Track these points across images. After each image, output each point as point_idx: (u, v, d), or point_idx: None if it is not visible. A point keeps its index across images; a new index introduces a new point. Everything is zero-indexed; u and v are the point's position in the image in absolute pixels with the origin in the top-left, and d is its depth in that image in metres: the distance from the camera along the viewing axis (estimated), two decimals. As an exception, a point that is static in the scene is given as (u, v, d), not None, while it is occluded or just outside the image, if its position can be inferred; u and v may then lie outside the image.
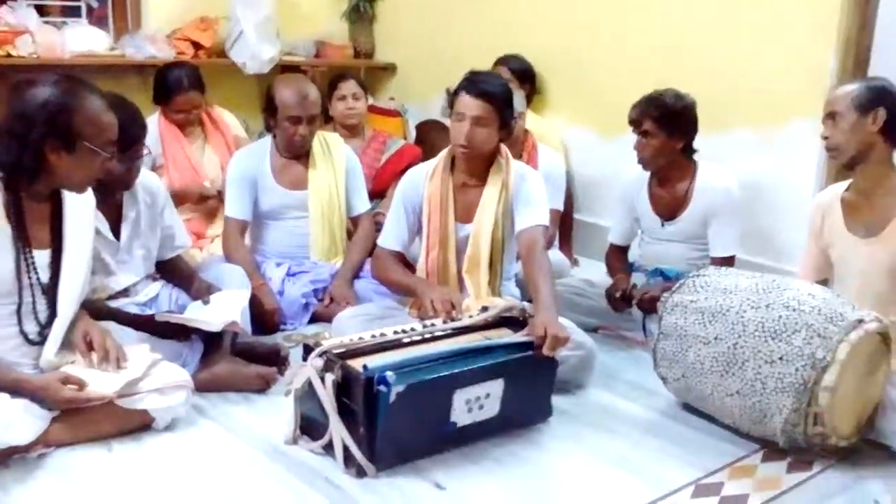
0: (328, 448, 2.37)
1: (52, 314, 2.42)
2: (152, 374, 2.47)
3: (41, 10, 4.67)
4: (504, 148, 3.05)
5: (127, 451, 2.41)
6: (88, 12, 4.92)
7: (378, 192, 4.17)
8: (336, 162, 3.67)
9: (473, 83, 2.94)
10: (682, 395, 2.77)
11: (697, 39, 4.06)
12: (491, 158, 3.01)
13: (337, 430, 2.32)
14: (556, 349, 2.52)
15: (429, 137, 5.00)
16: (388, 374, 2.24)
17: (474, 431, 2.48)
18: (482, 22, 5.03)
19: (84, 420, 2.38)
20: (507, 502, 2.27)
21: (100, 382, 2.36)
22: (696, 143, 3.38)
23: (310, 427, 2.44)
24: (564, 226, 4.21)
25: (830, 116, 2.74)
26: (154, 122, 4.00)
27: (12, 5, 4.49)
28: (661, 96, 3.30)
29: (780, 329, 2.42)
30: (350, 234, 3.75)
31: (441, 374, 2.35)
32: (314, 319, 3.46)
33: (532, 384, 2.59)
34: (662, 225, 3.44)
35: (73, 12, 4.90)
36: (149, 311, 2.92)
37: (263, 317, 3.28)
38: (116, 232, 2.92)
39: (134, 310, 2.89)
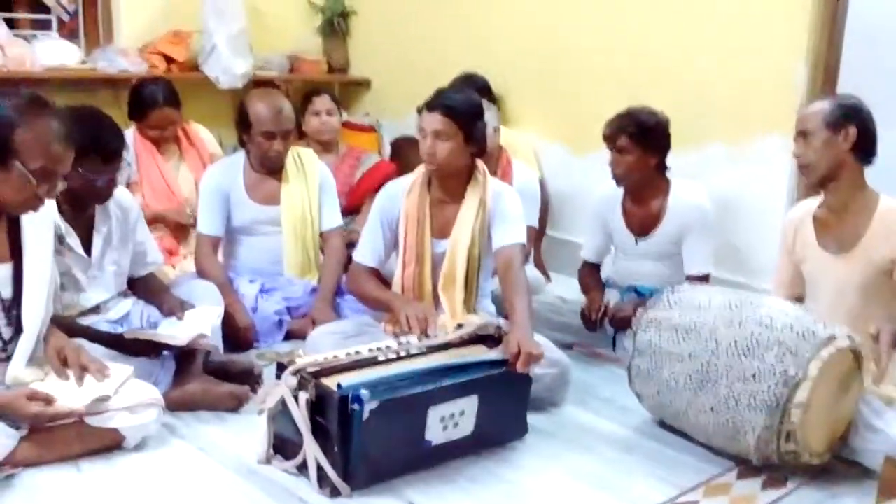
0: (302, 468, 2.35)
1: (17, 330, 2.38)
2: (122, 392, 2.43)
3: (11, 23, 4.63)
4: (481, 164, 3.04)
5: (96, 471, 2.37)
6: (59, 25, 4.88)
7: (352, 209, 4.16)
8: (309, 177, 3.65)
9: (434, 99, 2.95)
10: (657, 412, 2.77)
11: (668, 56, 4.10)
12: (467, 175, 3.01)
13: (311, 450, 2.29)
14: (529, 365, 2.51)
15: (404, 153, 5.00)
16: (363, 391, 2.22)
17: (449, 450, 2.47)
18: (457, 37, 5.04)
19: (52, 439, 2.35)
20: (483, 521, 2.26)
21: (68, 397, 2.32)
22: (669, 160, 3.40)
23: (283, 446, 2.41)
24: (538, 239, 4.22)
25: (802, 134, 2.76)
26: (129, 137, 3.96)
27: (-19, 19, 4.45)
28: (635, 113, 3.33)
29: (752, 346, 2.43)
30: (323, 250, 3.73)
31: (415, 391, 2.34)
32: (288, 337, 3.44)
33: (506, 401, 2.58)
34: (636, 242, 3.45)
35: (43, 25, 4.86)
36: (120, 329, 2.89)
37: (237, 334, 3.26)
38: (88, 248, 2.89)
39: (105, 327, 2.86)
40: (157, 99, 3.96)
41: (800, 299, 2.87)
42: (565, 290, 3.83)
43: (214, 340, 2.93)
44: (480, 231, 2.98)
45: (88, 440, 2.40)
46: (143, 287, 3.10)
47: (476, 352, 2.64)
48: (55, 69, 4.54)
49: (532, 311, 2.76)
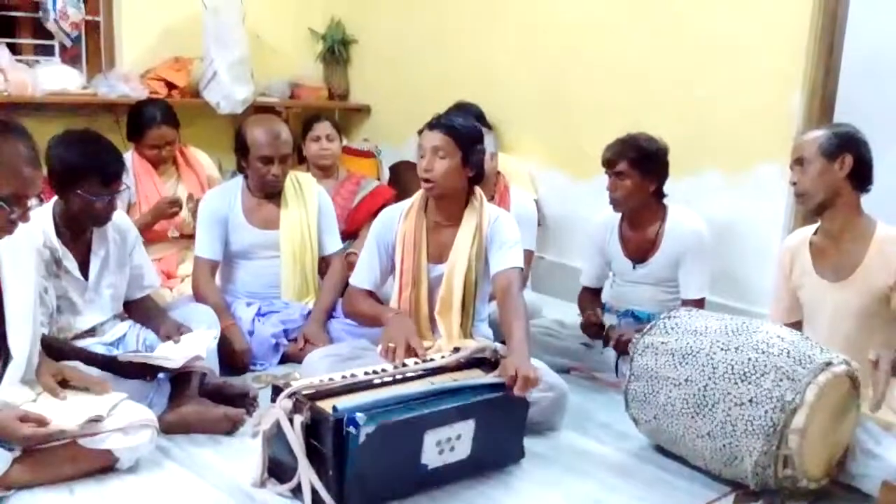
0: (296, 491, 2.33)
1: (0, 355, 2.37)
2: (116, 413, 2.42)
3: (14, 49, 4.66)
4: (478, 190, 3.06)
5: (89, 494, 2.35)
6: (62, 51, 4.92)
7: (351, 233, 4.16)
8: (308, 202, 3.66)
9: (435, 119, 2.99)
10: (654, 436, 2.76)
11: (667, 84, 4.13)
12: (464, 200, 3.02)
13: (305, 473, 2.28)
14: (526, 390, 2.51)
15: (402, 178, 5.02)
16: (358, 415, 2.21)
17: (445, 474, 2.45)
18: (456, 65, 5.08)
19: (46, 461, 2.34)
20: (478, 546, 2.24)
21: (61, 418, 2.31)
22: (666, 186, 3.41)
23: (278, 469, 2.40)
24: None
25: (798, 162, 2.77)
26: (128, 160, 3.97)
27: (-16, 44, 4.48)
28: (635, 139, 3.35)
29: (749, 371, 2.42)
30: (322, 274, 3.73)
31: (411, 415, 2.33)
32: (284, 360, 3.43)
33: (503, 425, 2.57)
34: (633, 267, 3.46)
35: (46, 51, 4.89)
36: (115, 351, 2.88)
37: (233, 357, 3.26)
38: (84, 271, 2.88)
39: (100, 349, 2.85)
40: (155, 117, 3.98)
41: (797, 325, 2.87)
42: (563, 314, 3.82)
43: (210, 363, 2.93)
44: (477, 256, 2.98)
45: (82, 462, 2.39)
46: (139, 310, 3.09)
47: (472, 376, 2.63)
48: (57, 94, 4.58)
49: (529, 336, 2.76)
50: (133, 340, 3.02)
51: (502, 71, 4.85)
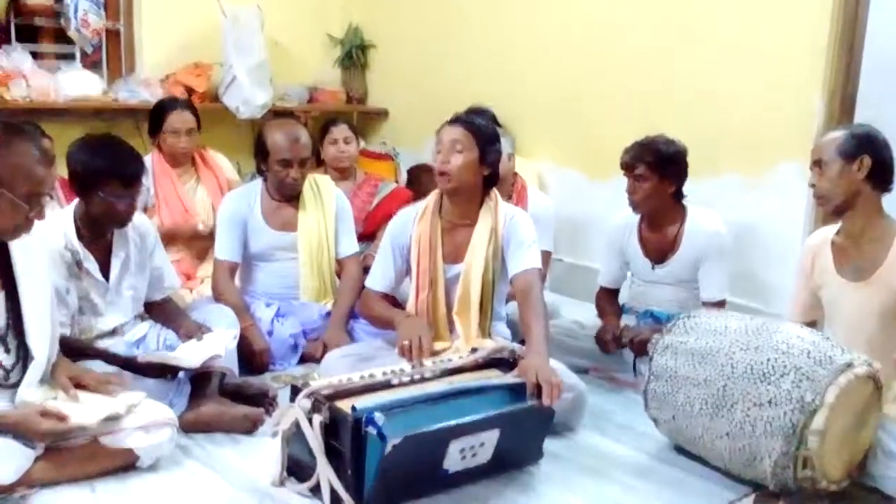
0: (315, 490, 2.34)
1: (17, 358, 2.39)
2: (136, 412, 2.44)
3: (36, 55, 4.71)
4: (494, 191, 3.06)
5: (110, 492, 2.37)
6: (83, 57, 4.96)
7: (369, 235, 4.18)
8: (326, 204, 3.67)
9: (453, 117, 3.01)
10: (673, 436, 2.75)
11: (686, 84, 4.12)
12: (479, 200, 3.02)
13: (324, 472, 2.29)
14: (557, 398, 2.50)
15: (420, 181, 5.03)
16: (377, 415, 2.21)
17: (465, 476, 2.45)
18: (473, 68, 5.09)
19: (67, 459, 2.36)
20: (496, 546, 2.24)
21: (81, 415, 2.33)
22: (686, 187, 3.40)
23: (297, 469, 2.41)
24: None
25: (817, 164, 2.76)
26: (147, 162, 4.01)
27: (7, 49, 4.53)
28: (653, 141, 3.34)
29: (768, 372, 2.41)
30: (339, 276, 3.74)
31: (439, 427, 2.30)
32: (303, 360, 3.44)
33: (527, 433, 2.57)
34: (653, 268, 3.45)
35: (67, 57, 4.94)
36: (136, 351, 2.91)
37: (252, 357, 3.27)
38: (106, 272, 2.91)
39: (121, 349, 2.87)
40: (176, 102, 4.13)
41: (813, 325, 2.85)
42: (581, 314, 3.81)
43: (230, 363, 2.94)
44: (494, 255, 2.98)
45: (103, 460, 2.41)
46: (160, 311, 3.11)
47: (490, 376, 2.63)
48: (78, 99, 4.62)
49: (549, 336, 2.76)
50: (154, 341, 3.03)
51: (519, 73, 4.85)
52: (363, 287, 3.27)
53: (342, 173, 4.32)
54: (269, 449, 2.50)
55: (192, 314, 3.13)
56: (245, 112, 5.01)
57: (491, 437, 2.43)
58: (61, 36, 4.84)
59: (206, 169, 4.21)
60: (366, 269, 3.44)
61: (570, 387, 2.83)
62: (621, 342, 3.30)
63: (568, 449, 2.79)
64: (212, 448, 2.67)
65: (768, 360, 2.43)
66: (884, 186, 2.74)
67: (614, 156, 3.40)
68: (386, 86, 5.75)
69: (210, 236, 3.88)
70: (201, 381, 2.81)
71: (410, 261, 3.07)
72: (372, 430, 2.21)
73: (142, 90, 4.76)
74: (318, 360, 3.22)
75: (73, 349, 2.67)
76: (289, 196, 3.60)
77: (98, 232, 2.88)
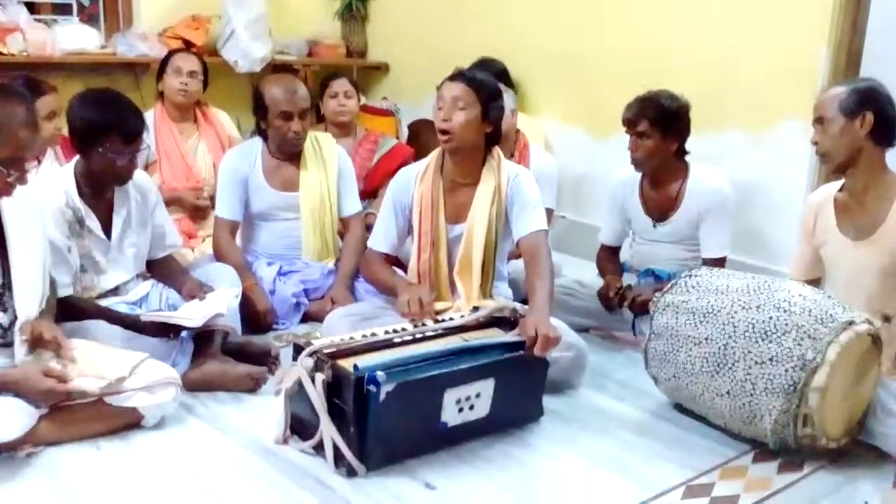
0: (318, 448, 2.36)
1: (14, 317, 2.39)
2: (139, 373, 2.45)
3: (32, 8, 4.66)
4: (496, 149, 3.03)
5: (116, 451, 2.40)
6: (80, 10, 4.91)
7: (370, 192, 4.17)
8: (328, 163, 3.64)
9: (455, 71, 2.97)
10: (673, 395, 2.77)
11: (688, 40, 4.08)
12: (482, 158, 3.00)
13: (327, 430, 2.31)
14: (546, 350, 2.52)
15: (421, 137, 5.00)
16: (378, 373, 2.23)
17: (465, 431, 2.47)
18: (474, 22, 5.03)
19: (72, 418, 2.38)
20: (498, 503, 2.26)
21: (83, 380, 2.34)
22: (689, 145, 3.38)
23: (300, 427, 2.43)
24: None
25: (819, 121, 2.73)
26: (149, 117, 4.01)
27: (3, 3, 4.49)
28: (656, 97, 3.30)
29: (770, 330, 2.42)
30: (342, 235, 3.73)
31: (431, 374, 2.35)
32: (305, 319, 3.45)
33: (523, 384, 2.58)
34: (654, 226, 3.44)
35: (64, 10, 4.88)
36: (138, 310, 2.91)
37: (256, 317, 3.28)
38: (107, 230, 2.90)
39: (124, 309, 2.88)
40: (185, 49, 4.25)
41: (816, 283, 2.85)
42: (583, 273, 3.81)
43: (233, 322, 2.95)
44: (497, 216, 2.97)
45: (108, 419, 2.43)
46: (161, 269, 3.11)
47: (492, 335, 2.64)
48: (75, 54, 4.58)
49: (553, 296, 2.76)
50: (156, 299, 3.05)
51: (521, 29, 4.80)
52: (366, 246, 3.26)
53: (342, 129, 4.29)
54: (272, 407, 2.53)
55: (194, 273, 3.13)
56: (244, 66, 4.96)
57: (486, 388, 2.45)
58: (58, -11, 4.79)
59: (207, 125, 4.20)
60: (368, 228, 3.44)
61: (571, 345, 2.84)
62: (625, 298, 3.29)
63: (569, 406, 2.81)
64: (215, 407, 2.69)
65: (770, 318, 2.43)
66: (887, 142, 2.70)
67: (617, 113, 3.37)
68: (386, 40, 5.69)
69: (211, 199, 3.87)
70: (204, 340, 2.82)
71: (412, 221, 3.06)
72: (374, 389, 2.22)
73: (140, 44, 4.71)
74: (320, 318, 3.22)
75: (76, 308, 2.68)
76: (290, 153, 3.57)
77: (99, 189, 2.87)
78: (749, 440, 2.55)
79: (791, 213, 3.58)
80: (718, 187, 3.34)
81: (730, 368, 2.47)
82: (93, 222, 2.85)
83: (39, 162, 2.34)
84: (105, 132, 2.73)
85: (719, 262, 3.28)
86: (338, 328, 2.82)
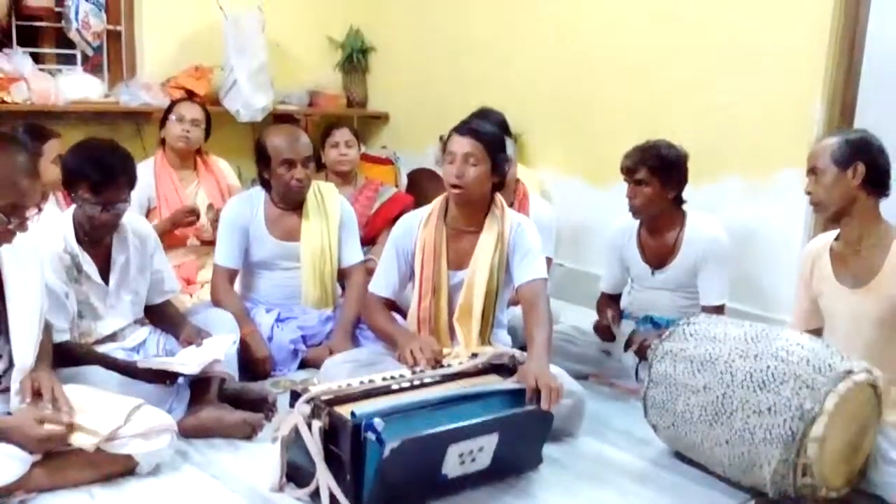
0: (315, 496, 2.34)
1: (9, 364, 2.39)
2: (134, 420, 2.43)
3: (37, 58, 4.71)
4: (499, 197, 3.06)
5: (109, 498, 2.37)
6: (84, 60, 4.97)
7: (370, 239, 4.18)
8: (330, 213, 3.63)
9: (463, 124, 3.00)
10: (672, 443, 2.75)
11: (685, 91, 4.12)
12: (486, 206, 3.02)
13: (323, 478, 2.29)
14: (555, 403, 2.50)
15: (420, 185, 5.04)
16: (376, 420, 2.21)
17: (464, 481, 2.45)
18: (473, 73, 5.09)
19: (66, 465, 2.35)
20: (496, 553, 2.24)
21: (80, 430, 2.32)
22: (686, 193, 3.40)
23: (296, 474, 2.41)
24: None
25: (812, 171, 2.74)
26: (150, 165, 4.07)
27: (8, 52, 4.54)
28: (655, 146, 3.33)
29: (768, 379, 2.41)
30: (342, 282, 3.73)
31: (438, 430, 2.31)
32: (303, 365, 3.44)
33: (527, 437, 2.57)
34: (652, 273, 3.45)
35: (68, 60, 4.95)
36: (136, 357, 2.90)
37: (254, 364, 3.27)
38: (105, 276, 2.90)
39: (121, 355, 2.87)
40: (190, 97, 4.30)
41: (818, 332, 2.84)
42: (581, 320, 3.81)
43: (230, 368, 2.94)
44: (499, 263, 2.98)
45: (102, 466, 2.40)
46: (159, 315, 3.11)
47: (490, 381, 2.63)
48: (79, 102, 4.63)
49: (551, 343, 2.76)
50: (154, 346, 3.04)
51: (520, 79, 4.85)
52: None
53: (343, 178, 4.32)
54: (268, 455, 2.50)
55: (192, 319, 3.13)
56: (245, 115, 5.01)
57: (490, 442, 2.42)
58: (62, 39, 4.84)
59: (208, 173, 4.23)
60: (369, 274, 3.44)
61: (570, 392, 2.83)
62: (629, 345, 3.28)
63: (567, 455, 2.78)
64: (211, 454, 2.67)
65: (768, 367, 2.43)
66: (880, 192, 2.72)
67: (615, 163, 3.40)
68: (386, 90, 5.75)
69: (210, 242, 3.88)
70: (201, 386, 2.80)
71: (414, 266, 3.07)
72: (371, 436, 2.21)
73: (143, 94, 4.76)
74: (318, 365, 3.20)
75: (73, 354, 2.67)
76: (295, 201, 3.56)
77: (95, 236, 2.87)
78: (749, 489, 2.53)
79: (788, 261, 3.59)
80: (715, 235, 3.36)
81: (728, 417, 2.46)
82: (90, 268, 2.85)
83: (40, 210, 2.35)
84: (76, 180, 2.74)
85: (718, 310, 3.28)
86: (336, 374, 2.81)
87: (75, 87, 4.65)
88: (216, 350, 2.82)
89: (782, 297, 3.61)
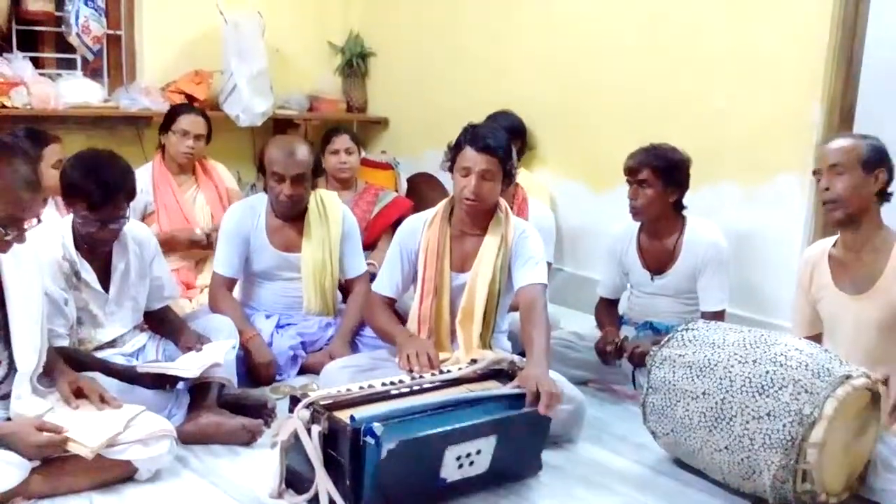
0: (314, 501, 2.34)
1: (10, 368, 2.39)
2: (134, 426, 2.43)
3: (36, 62, 4.72)
4: (503, 202, 3.07)
5: (109, 504, 2.37)
6: (84, 64, 4.97)
7: (369, 244, 4.17)
8: (331, 222, 3.59)
9: (478, 138, 2.95)
10: (672, 449, 2.75)
11: (684, 95, 4.12)
12: (491, 210, 3.03)
13: (323, 483, 2.29)
14: (553, 408, 2.50)
15: (420, 190, 5.05)
16: (375, 425, 2.21)
17: (463, 486, 2.45)
18: (473, 77, 5.09)
19: (65, 471, 2.36)
20: (495, 559, 2.24)
21: (79, 436, 2.32)
22: (685, 198, 3.40)
23: (295, 480, 2.41)
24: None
25: (832, 169, 2.70)
26: (148, 169, 4.06)
27: (8, 57, 4.54)
28: (659, 148, 3.34)
29: (767, 384, 2.41)
30: (343, 293, 3.71)
31: (434, 432, 2.32)
32: (303, 371, 3.43)
33: (524, 441, 2.57)
34: (652, 279, 3.44)
35: (68, 64, 4.95)
36: (135, 362, 2.90)
37: (258, 370, 3.26)
38: (105, 283, 2.90)
39: (120, 360, 2.87)
40: (192, 108, 4.25)
41: (818, 338, 2.84)
42: (581, 325, 3.81)
43: (230, 374, 2.93)
44: (502, 267, 2.99)
45: (101, 472, 2.40)
46: (159, 320, 3.11)
47: (489, 387, 2.64)
48: (79, 107, 4.63)
49: (549, 348, 2.76)
50: (153, 351, 3.03)
51: (520, 84, 4.85)
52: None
53: (343, 183, 4.32)
54: (267, 460, 2.50)
55: (191, 324, 3.11)
56: (245, 120, 5.01)
57: (487, 445, 2.42)
58: (62, 44, 4.85)
59: (206, 178, 4.22)
60: (369, 278, 3.44)
61: (570, 398, 2.83)
62: (622, 352, 3.29)
63: (567, 461, 2.78)
64: (210, 460, 2.67)
65: (766, 372, 2.43)
66: (886, 198, 2.74)
67: (616, 167, 3.41)
68: (386, 95, 5.75)
69: (210, 244, 3.87)
70: (200, 391, 2.80)
71: (418, 267, 3.08)
72: (370, 441, 2.21)
73: (142, 98, 4.76)
74: (318, 370, 3.20)
75: (72, 360, 2.66)
76: (287, 214, 3.51)
77: (94, 243, 2.86)
78: (749, 495, 2.53)
79: (787, 266, 3.59)
80: (715, 241, 3.36)
81: (727, 423, 2.46)
82: (89, 275, 2.84)
83: (39, 220, 2.34)
84: (73, 196, 2.73)
85: (718, 316, 3.28)
86: (335, 380, 2.81)
87: (75, 91, 4.66)
88: (216, 355, 2.81)
89: (780, 302, 3.61)
